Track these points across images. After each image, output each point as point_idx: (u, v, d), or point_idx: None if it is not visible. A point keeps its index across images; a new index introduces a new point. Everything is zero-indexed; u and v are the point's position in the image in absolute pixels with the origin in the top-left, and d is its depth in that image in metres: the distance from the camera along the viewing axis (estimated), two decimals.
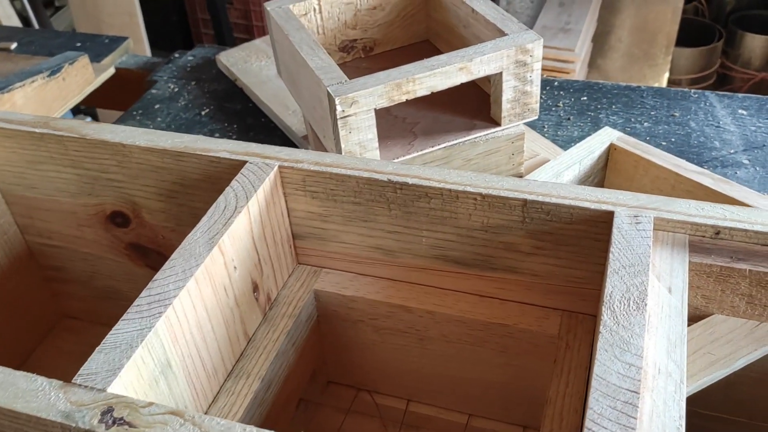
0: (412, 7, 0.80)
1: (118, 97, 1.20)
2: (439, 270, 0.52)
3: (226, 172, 0.52)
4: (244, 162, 0.51)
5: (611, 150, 0.70)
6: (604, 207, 0.44)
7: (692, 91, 0.99)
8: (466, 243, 0.49)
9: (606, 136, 0.70)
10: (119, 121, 1.04)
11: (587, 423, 0.34)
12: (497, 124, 0.68)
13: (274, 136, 0.99)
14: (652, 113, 0.95)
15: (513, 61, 0.63)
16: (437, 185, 0.47)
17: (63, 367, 0.66)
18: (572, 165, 0.68)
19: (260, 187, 0.48)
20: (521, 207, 0.46)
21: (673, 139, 0.89)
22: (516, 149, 0.70)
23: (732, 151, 0.86)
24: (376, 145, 0.64)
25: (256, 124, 1.01)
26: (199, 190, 0.54)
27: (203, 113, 1.05)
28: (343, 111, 0.61)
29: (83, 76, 1.08)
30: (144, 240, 0.60)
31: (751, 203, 0.59)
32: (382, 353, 0.56)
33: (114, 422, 0.34)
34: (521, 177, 0.72)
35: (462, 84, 0.63)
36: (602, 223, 0.45)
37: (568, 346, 0.47)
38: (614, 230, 0.43)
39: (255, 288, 0.50)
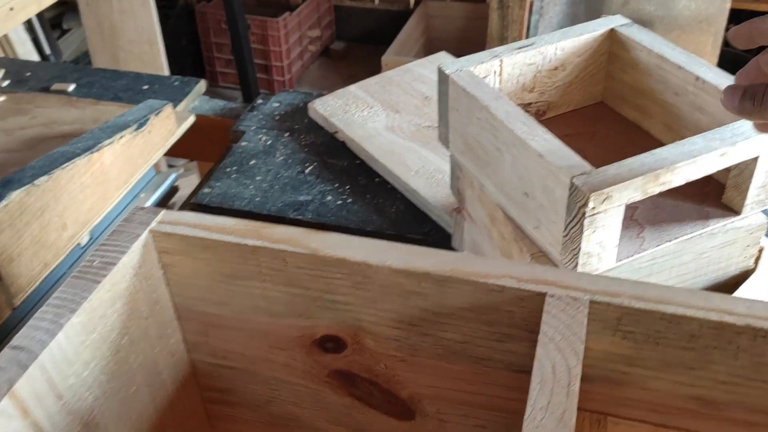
0: (594, 66, 0.70)
1: (198, 146, 1.09)
2: None
3: (506, 302, 0.41)
4: (537, 293, 0.40)
5: None
6: None
7: None
8: None
9: None
10: (213, 181, 0.92)
11: None
12: (734, 211, 0.59)
13: (395, 199, 0.88)
14: None
15: None
16: None
17: None
18: None
19: (581, 333, 0.37)
20: None
21: None
22: (753, 240, 0.60)
23: None
24: (617, 243, 0.54)
25: (371, 185, 0.90)
26: (457, 319, 0.43)
27: (306, 171, 0.93)
28: (594, 208, 0.50)
29: (167, 127, 0.96)
30: (357, 368, 0.49)
31: None
32: None
33: None
34: (751, 271, 0.62)
35: None
36: None
37: None
38: None
39: None
